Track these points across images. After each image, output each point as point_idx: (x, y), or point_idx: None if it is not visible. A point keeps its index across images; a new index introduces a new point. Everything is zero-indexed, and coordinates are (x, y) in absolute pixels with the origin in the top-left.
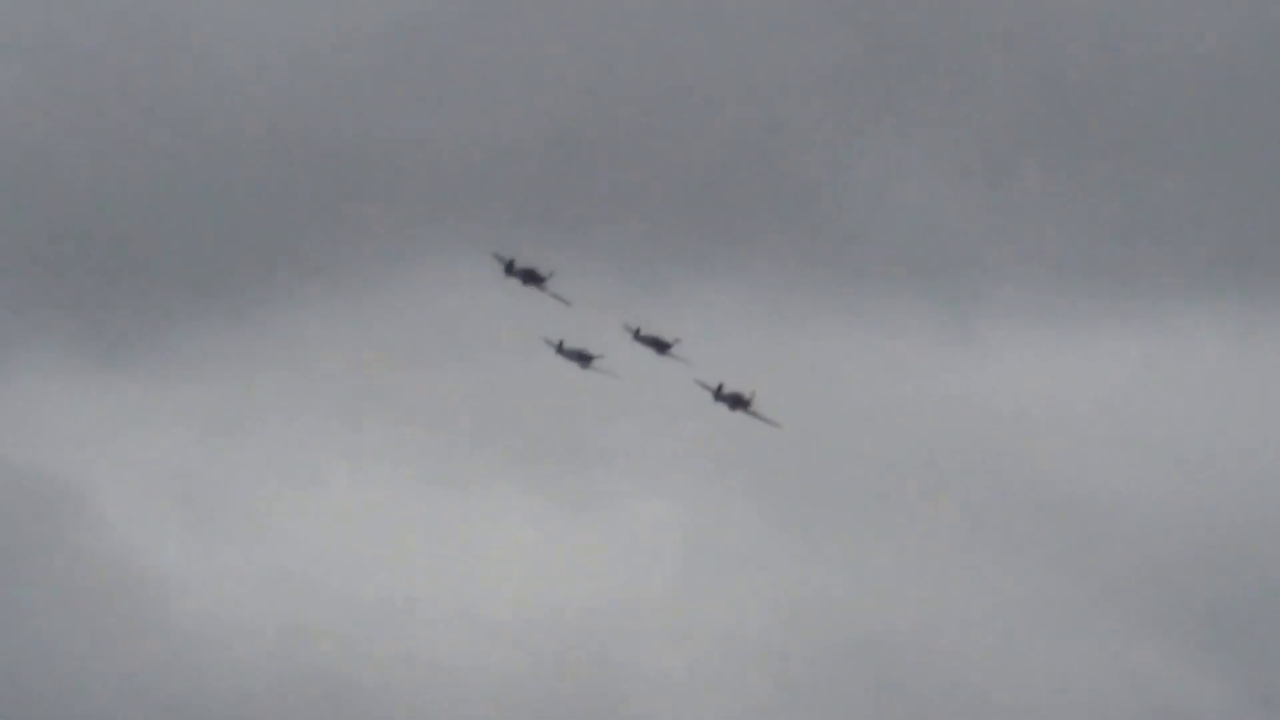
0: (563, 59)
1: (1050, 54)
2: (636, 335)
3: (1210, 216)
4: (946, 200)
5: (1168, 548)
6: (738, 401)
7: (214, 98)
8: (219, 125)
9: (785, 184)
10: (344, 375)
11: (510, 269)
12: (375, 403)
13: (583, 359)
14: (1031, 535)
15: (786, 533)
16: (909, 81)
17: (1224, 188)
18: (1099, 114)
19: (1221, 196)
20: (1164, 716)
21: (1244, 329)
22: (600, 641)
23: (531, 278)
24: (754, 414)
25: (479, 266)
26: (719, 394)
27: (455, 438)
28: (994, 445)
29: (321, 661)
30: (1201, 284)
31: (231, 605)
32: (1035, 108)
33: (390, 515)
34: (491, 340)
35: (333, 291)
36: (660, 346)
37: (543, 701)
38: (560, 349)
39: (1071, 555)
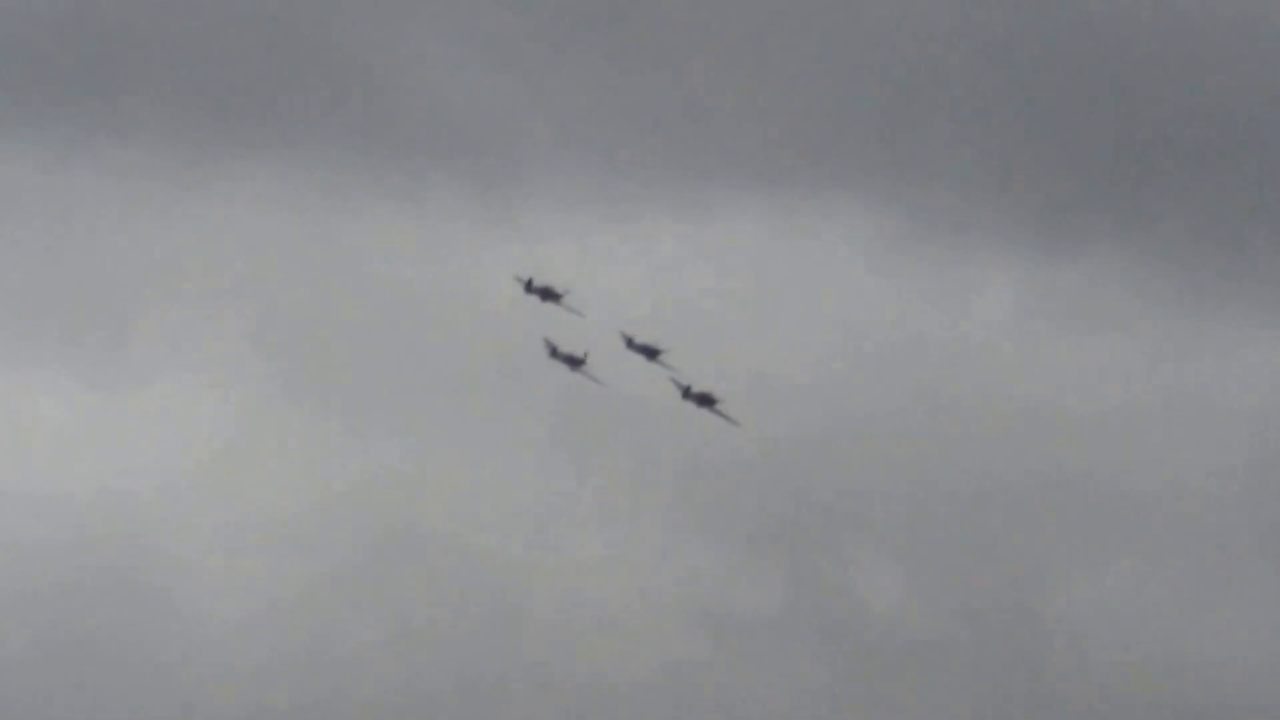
0: None
1: None
2: (630, 344)
3: (755, 105)
4: (492, 86)
5: (711, 441)
6: (705, 400)
7: None
8: None
9: (326, 66)
10: None
11: (529, 287)
12: None
13: (573, 362)
14: (574, 427)
15: (327, 420)
16: None
17: (770, 76)
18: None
19: (767, 85)
20: (708, 616)
21: (785, 216)
22: (134, 522)
23: (549, 295)
24: (720, 413)
25: (11, 140)
26: (687, 393)
27: None
28: (538, 333)
29: None
30: (744, 172)
31: None
32: None
33: None
34: (28, 217)
35: None
36: (650, 354)
37: (73, 579)
38: (554, 353)
39: (616, 449)
